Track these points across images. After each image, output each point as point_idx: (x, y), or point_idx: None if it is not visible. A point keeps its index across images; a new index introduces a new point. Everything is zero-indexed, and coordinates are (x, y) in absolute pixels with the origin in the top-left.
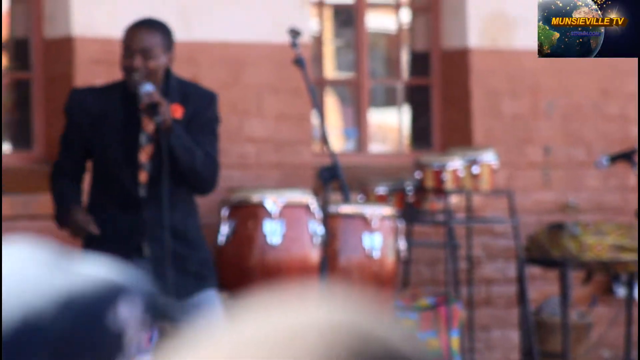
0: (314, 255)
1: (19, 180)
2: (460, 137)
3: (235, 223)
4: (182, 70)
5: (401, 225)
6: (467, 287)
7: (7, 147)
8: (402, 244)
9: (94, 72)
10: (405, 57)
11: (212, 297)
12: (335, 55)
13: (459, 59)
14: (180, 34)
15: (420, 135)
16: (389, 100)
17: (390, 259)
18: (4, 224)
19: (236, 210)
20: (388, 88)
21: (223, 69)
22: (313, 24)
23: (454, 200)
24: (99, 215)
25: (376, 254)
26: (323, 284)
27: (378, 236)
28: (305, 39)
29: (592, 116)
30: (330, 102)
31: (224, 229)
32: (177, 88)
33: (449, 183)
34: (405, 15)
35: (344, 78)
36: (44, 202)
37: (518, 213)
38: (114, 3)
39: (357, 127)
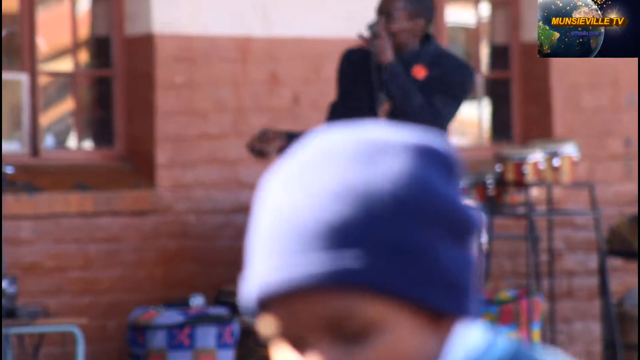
0: None
1: (101, 178)
2: (541, 129)
3: None
4: (261, 65)
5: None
6: (548, 279)
7: (88, 144)
8: (483, 237)
9: (175, 69)
10: (485, 51)
11: None
12: None
13: None
14: (259, 31)
15: (501, 128)
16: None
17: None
18: (87, 221)
19: None
20: None
21: (302, 65)
22: None
23: (535, 192)
24: None
25: None
26: None
27: None
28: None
29: None
30: None
31: None
32: (432, 53)
33: (529, 176)
34: (485, 8)
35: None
36: (127, 198)
37: (599, 205)
38: (194, 1)
39: None
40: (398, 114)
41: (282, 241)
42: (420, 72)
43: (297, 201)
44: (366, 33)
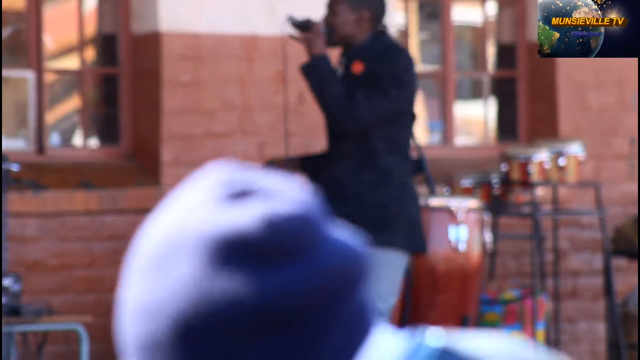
0: None
1: (107, 176)
2: (546, 129)
3: None
4: (267, 64)
5: (487, 217)
6: (553, 279)
7: (94, 142)
8: (488, 237)
9: (181, 68)
10: (491, 50)
11: None
12: (420, 48)
13: None
14: (265, 29)
15: (506, 127)
16: (475, 92)
17: (476, 252)
18: (92, 219)
19: None
20: (474, 81)
21: None
22: (399, 17)
23: (540, 192)
24: None
25: (462, 247)
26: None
27: (464, 229)
28: (391, 31)
29: None
30: None
31: None
32: (378, 48)
33: (535, 175)
34: (491, 7)
35: (430, 71)
36: (132, 196)
37: (604, 205)
38: None
39: (443, 120)
40: (321, 106)
41: (124, 351)
42: (357, 66)
43: (123, 314)
44: (290, 28)
